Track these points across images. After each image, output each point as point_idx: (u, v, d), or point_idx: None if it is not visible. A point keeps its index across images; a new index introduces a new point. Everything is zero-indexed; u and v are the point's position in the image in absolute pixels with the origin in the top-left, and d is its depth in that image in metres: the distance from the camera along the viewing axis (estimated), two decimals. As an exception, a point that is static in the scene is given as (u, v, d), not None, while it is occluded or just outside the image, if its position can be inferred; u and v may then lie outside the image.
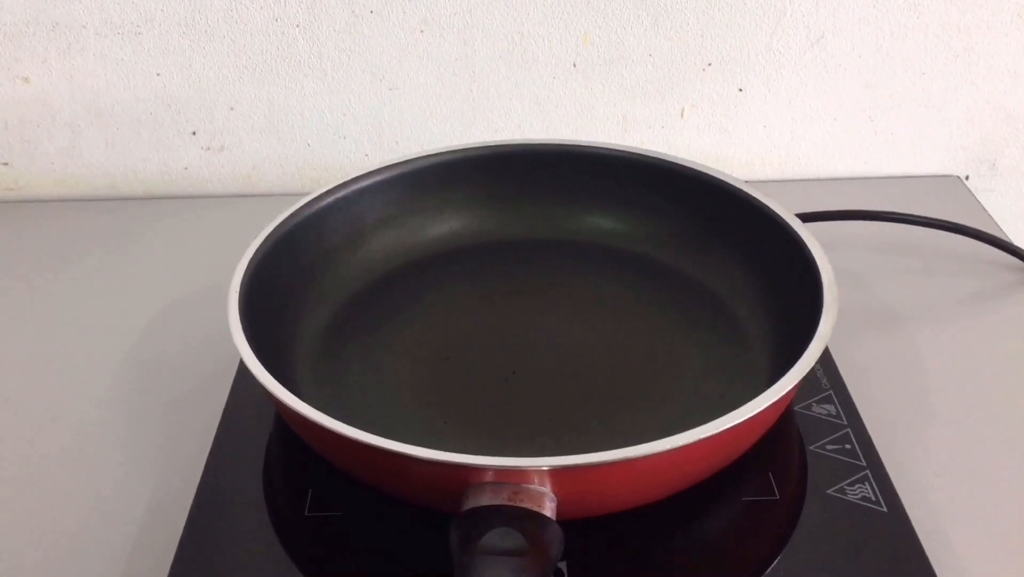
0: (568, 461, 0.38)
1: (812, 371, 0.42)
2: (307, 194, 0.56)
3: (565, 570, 0.40)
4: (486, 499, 0.37)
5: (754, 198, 0.55)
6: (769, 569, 0.40)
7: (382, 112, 0.73)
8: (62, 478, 0.49)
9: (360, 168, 0.58)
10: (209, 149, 0.74)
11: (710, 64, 0.71)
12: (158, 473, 0.49)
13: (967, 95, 0.73)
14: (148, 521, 0.46)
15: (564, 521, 0.38)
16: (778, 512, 0.43)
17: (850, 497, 0.43)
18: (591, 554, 0.41)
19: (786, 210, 0.53)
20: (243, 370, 0.52)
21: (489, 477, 0.38)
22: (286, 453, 0.48)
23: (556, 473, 0.38)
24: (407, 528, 0.43)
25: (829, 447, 0.46)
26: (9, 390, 0.55)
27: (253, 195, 0.76)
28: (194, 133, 0.73)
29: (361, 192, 0.58)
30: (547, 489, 0.38)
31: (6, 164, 0.74)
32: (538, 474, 0.38)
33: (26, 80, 0.71)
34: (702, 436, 0.39)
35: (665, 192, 0.60)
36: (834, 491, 0.44)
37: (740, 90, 0.72)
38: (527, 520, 0.36)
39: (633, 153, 0.60)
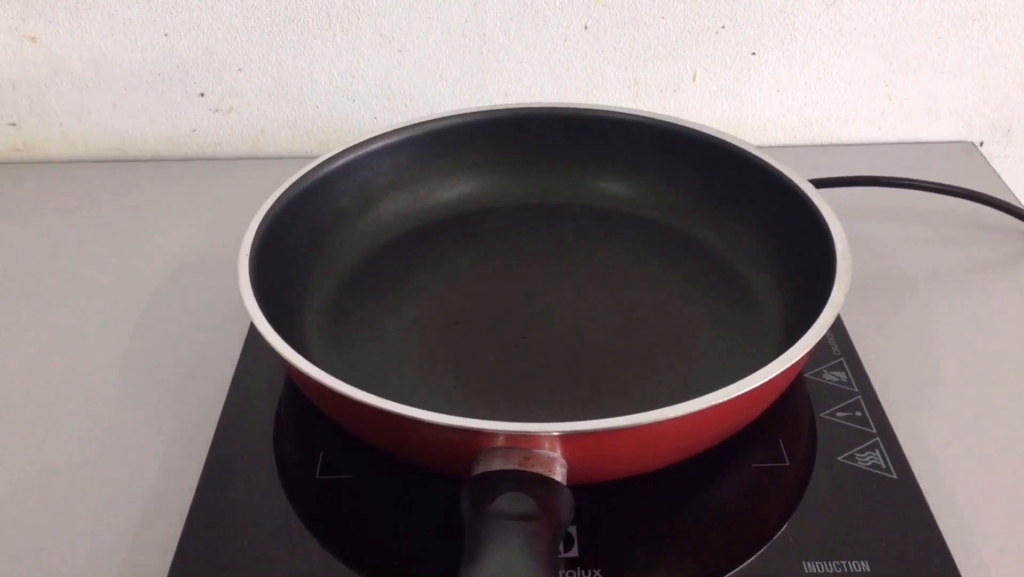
0: (579, 427, 0.38)
1: (823, 338, 0.42)
2: (316, 157, 0.56)
3: (575, 534, 0.41)
4: (497, 464, 0.37)
5: (767, 164, 0.54)
6: (779, 534, 0.41)
7: (391, 74, 0.72)
8: (71, 443, 0.49)
9: (369, 131, 0.58)
10: (217, 111, 0.73)
11: (723, 27, 0.70)
12: (169, 436, 0.49)
13: (983, 61, 0.72)
14: (159, 484, 0.46)
15: (574, 486, 0.38)
16: (788, 479, 0.43)
17: (860, 464, 0.43)
18: (601, 519, 0.41)
19: (800, 176, 0.53)
20: (253, 334, 0.52)
21: (500, 442, 0.38)
22: (297, 416, 0.48)
23: (567, 438, 0.38)
24: (418, 492, 0.43)
25: (839, 414, 0.46)
26: (18, 353, 0.55)
27: (261, 157, 0.75)
28: (202, 95, 0.73)
29: (370, 155, 0.58)
30: (558, 454, 0.38)
31: (13, 125, 0.74)
32: (549, 439, 0.38)
33: (33, 40, 0.70)
34: (713, 403, 0.39)
35: (677, 157, 0.59)
36: (844, 458, 0.44)
37: (753, 54, 0.72)
38: (538, 485, 0.36)
39: (645, 117, 0.60)
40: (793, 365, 0.41)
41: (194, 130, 0.74)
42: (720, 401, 0.39)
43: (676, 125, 0.59)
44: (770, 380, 0.40)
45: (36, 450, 0.49)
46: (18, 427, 0.50)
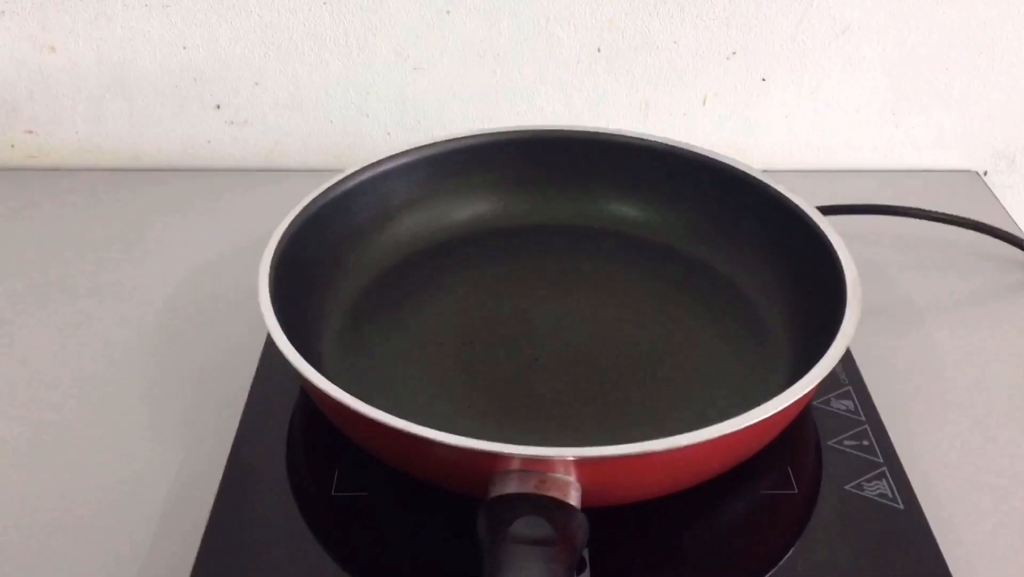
0: (595, 452, 0.39)
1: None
2: (329, 170, 0.57)
3: (587, 558, 0.41)
4: (513, 486, 0.38)
5: (777, 191, 0.55)
6: (787, 562, 0.41)
7: (405, 92, 0.73)
8: (88, 452, 0.50)
9: (382, 146, 0.58)
10: (232, 123, 0.74)
11: (734, 53, 0.71)
12: (185, 449, 0.49)
13: (989, 91, 0.73)
14: (176, 495, 0.47)
15: (587, 509, 0.39)
16: (796, 506, 0.44)
17: (867, 493, 0.44)
18: (613, 542, 0.42)
19: (809, 204, 0.54)
20: (269, 348, 0.53)
21: (516, 465, 0.39)
22: (312, 432, 0.48)
23: (582, 463, 0.39)
24: (433, 510, 0.44)
25: (847, 443, 0.47)
26: (34, 362, 0.56)
27: (275, 170, 0.76)
28: (218, 107, 0.73)
29: (387, 174, 0.58)
30: (572, 478, 0.39)
31: (30, 132, 0.75)
32: (564, 464, 0.39)
33: (52, 49, 0.71)
34: (725, 432, 0.39)
35: (687, 182, 0.60)
36: (852, 487, 0.44)
37: (763, 80, 0.73)
38: (554, 509, 0.37)
39: (656, 142, 0.61)
40: (805, 395, 0.41)
41: (209, 141, 0.75)
42: (733, 430, 0.39)
43: (687, 151, 0.60)
44: (783, 409, 0.40)
45: (50, 465, 0.49)
46: (33, 439, 0.51)
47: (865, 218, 0.66)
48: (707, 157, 0.59)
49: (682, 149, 0.60)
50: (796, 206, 0.54)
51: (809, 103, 0.74)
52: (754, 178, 0.57)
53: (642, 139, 0.61)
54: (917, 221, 0.66)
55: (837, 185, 0.74)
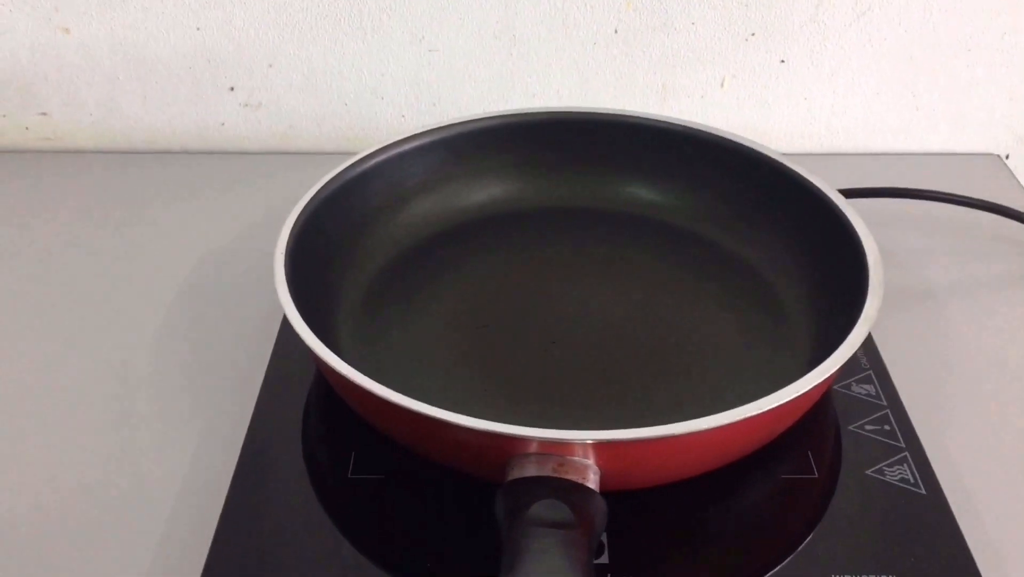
0: (613, 435, 0.38)
1: (853, 351, 0.42)
2: (343, 153, 0.56)
3: (605, 541, 0.41)
4: (531, 470, 0.38)
5: (798, 173, 0.55)
6: (807, 547, 0.41)
7: (420, 74, 0.72)
8: (101, 435, 0.50)
9: (396, 129, 0.58)
10: (247, 106, 0.74)
11: (753, 34, 0.71)
12: (200, 432, 0.49)
13: (1011, 73, 0.72)
14: (192, 480, 0.47)
15: (604, 493, 0.38)
16: (816, 491, 0.44)
17: (888, 478, 0.44)
18: (631, 526, 0.42)
19: (830, 187, 0.53)
20: (285, 331, 0.53)
21: (534, 448, 0.39)
22: (328, 415, 0.48)
23: (601, 446, 0.38)
24: (450, 494, 0.43)
25: (868, 427, 0.46)
26: (47, 344, 0.56)
27: (289, 152, 0.76)
28: (232, 89, 0.73)
29: (402, 156, 0.58)
30: (591, 461, 0.39)
31: (44, 114, 0.74)
32: (582, 447, 0.38)
33: (67, 31, 0.70)
34: (747, 415, 0.39)
35: (706, 164, 0.59)
36: (873, 472, 0.44)
37: (782, 61, 0.72)
38: (573, 492, 0.37)
39: (674, 124, 0.60)
40: (827, 379, 0.41)
41: (223, 124, 0.75)
42: (754, 413, 0.39)
43: (706, 133, 0.59)
44: (803, 393, 0.40)
45: (67, 447, 0.49)
46: (47, 423, 0.51)
47: (884, 201, 0.65)
48: (727, 139, 0.58)
49: (701, 131, 0.59)
50: (818, 189, 0.53)
51: (828, 85, 0.73)
52: (775, 161, 0.56)
53: (660, 121, 0.60)
54: (937, 204, 0.65)
55: (856, 168, 0.73)
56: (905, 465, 0.44)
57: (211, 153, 0.75)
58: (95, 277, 0.61)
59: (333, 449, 0.46)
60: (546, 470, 0.38)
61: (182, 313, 0.58)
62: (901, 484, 0.43)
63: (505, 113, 0.61)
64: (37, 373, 0.54)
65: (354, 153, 0.56)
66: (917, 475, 0.44)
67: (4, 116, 0.74)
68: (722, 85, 0.73)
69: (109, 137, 0.75)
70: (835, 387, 0.49)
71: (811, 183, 0.54)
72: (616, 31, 0.71)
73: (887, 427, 0.46)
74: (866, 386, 0.49)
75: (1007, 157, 0.76)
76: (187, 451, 0.48)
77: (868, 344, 0.51)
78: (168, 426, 0.50)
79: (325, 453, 0.46)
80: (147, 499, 0.46)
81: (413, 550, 0.41)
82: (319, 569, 0.41)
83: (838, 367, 0.41)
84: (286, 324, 0.51)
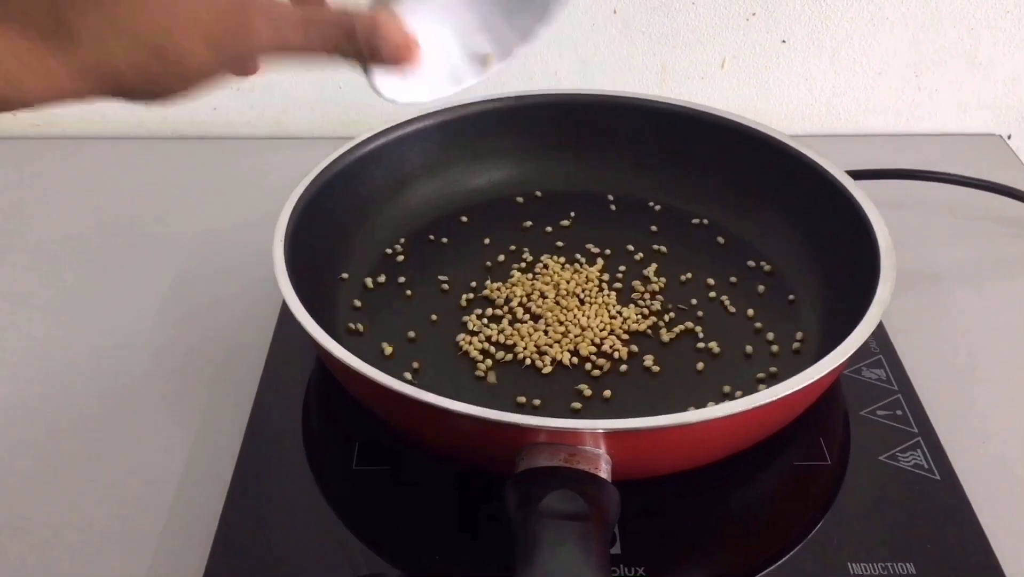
0: (625, 425, 0.38)
1: (863, 336, 0.41)
2: (341, 139, 0.55)
3: (617, 531, 0.40)
4: (542, 460, 0.37)
5: (808, 157, 0.54)
6: (822, 535, 0.40)
7: (416, 56, 0.71)
8: (102, 426, 0.49)
9: (392, 113, 0.57)
10: (239, 90, 0.72)
11: (754, 14, 0.70)
12: (202, 421, 0.48)
13: (1014, 53, 0.71)
14: (195, 470, 0.46)
15: (616, 482, 0.37)
16: (829, 477, 0.43)
17: (902, 464, 0.43)
18: (644, 515, 0.41)
19: (839, 169, 0.52)
20: (284, 319, 0.52)
21: (544, 438, 0.38)
22: (329, 406, 0.47)
23: (612, 436, 0.38)
24: (455, 486, 0.43)
25: (880, 412, 0.46)
26: (42, 331, 0.55)
27: (283, 137, 0.74)
28: (224, 73, 0.72)
29: (401, 139, 0.57)
30: (602, 451, 0.38)
31: (32, 100, 0.73)
32: (594, 436, 0.38)
33: (54, 14, 0.69)
34: (758, 403, 0.38)
35: (709, 146, 0.58)
36: (886, 457, 0.43)
37: (783, 42, 0.71)
38: (585, 482, 0.36)
39: (676, 106, 0.59)
40: (839, 365, 0.40)
41: (215, 108, 0.73)
42: (765, 402, 0.38)
43: (709, 114, 0.58)
44: (816, 381, 0.39)
45: (66, 436, 0.48)
46: (48, 411, 0.50)
47: (888, 182, 0.64)
48: (731, 121, 0.57)
49: (704, 113, 0.58)
50: (827, 172, 0.52)
51: (830, 65, 0.72)
52: (782, 142, 0.55)
53: (661, 102, 0.59)
54: (940, 185, 0.64)
55: (858, 149, 0.72)
56: (918, 451, 0.44)
57: (204, 138, 0.74)
58: (87, 264, 0.60)
59: (337, 441, 0.45)
60: (557, 460, 0.37)
61: (178, 302, 0.57)
62: (915, 470, 0.43)
63: (504, 96, 0.60)
64: (31, 360, 0.52)
65: (350, 138, 0.55)
66: (931, 460, 0.43)
67: (-9, 102, 0.73)
68: (722, 66, 0.72)
69: (98, 123, 0.74)
70: (845, 372, 0.48)
71: (820, 165, 0.53)
72: (615, 11, 0.70)
73: (899, 412, 0.46)
74: (876, 371, 0.48)
75: (1009, 137, 0.75)
76: (186, 445, 0.47)
77: (877, 328, 0.50)
78: (169, 417, 0.49)
79: (329, 445, 0.45)
80: (147, 491, 0.45)
81: (418, 542, 0.41)
82: (324, 561, 0.40)
83: (852, 351, 0.40)
84: (285, 312, 0.50)
